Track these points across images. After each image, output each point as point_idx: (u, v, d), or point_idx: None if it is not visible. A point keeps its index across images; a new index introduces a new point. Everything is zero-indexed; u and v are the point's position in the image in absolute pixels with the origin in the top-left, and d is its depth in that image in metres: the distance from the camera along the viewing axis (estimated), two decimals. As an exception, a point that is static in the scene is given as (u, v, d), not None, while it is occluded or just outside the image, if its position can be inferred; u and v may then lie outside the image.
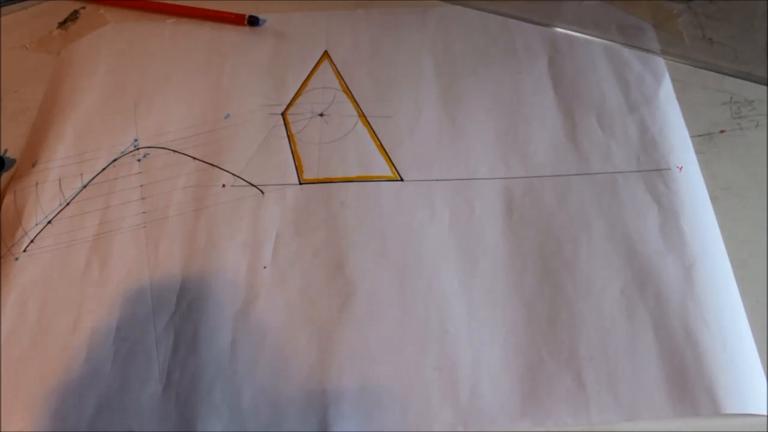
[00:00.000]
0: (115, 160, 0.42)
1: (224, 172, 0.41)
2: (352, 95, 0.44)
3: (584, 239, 0.37)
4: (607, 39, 0.46)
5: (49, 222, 0.40)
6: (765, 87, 0.43)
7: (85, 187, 0.41)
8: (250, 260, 0.37)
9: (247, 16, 0.49)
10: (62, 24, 0.52)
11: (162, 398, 0.33)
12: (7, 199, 0.41)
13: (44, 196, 0.41)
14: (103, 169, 0.42)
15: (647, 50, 0.45)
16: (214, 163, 0.42)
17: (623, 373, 0.32)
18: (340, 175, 0.40)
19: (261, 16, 0.49)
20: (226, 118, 0.44)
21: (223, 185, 0.41)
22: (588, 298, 0.35)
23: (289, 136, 0.43)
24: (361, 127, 0.43)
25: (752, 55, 0.44)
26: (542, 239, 0.37)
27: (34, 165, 0.42)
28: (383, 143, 0.42)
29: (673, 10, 0.47)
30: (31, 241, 0.39)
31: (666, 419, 0.31)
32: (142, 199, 0.40)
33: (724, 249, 0.36)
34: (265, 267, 0.37)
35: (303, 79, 0.46)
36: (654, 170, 0.39)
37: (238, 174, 0.41)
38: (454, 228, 0.38)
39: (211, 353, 0.34)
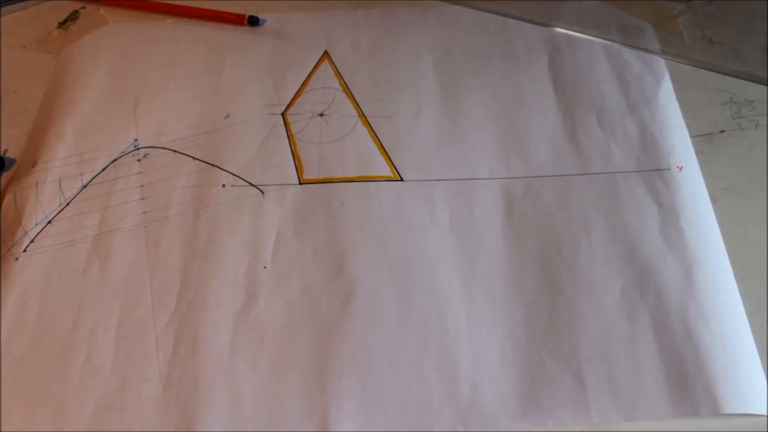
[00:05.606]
0: (115, 160, 0.42)
1: (224, 172, 0.41)
2: (352, 95, 0.44)
3: (584, 239, 0.37)
4: (607, 39, 0.46)
5: (49, 222, 0.40)
6: (765, 87, 0.43)
7: (85, 187, 0.41)
8: (250, 260, 0.37)
9: (247, 16, 0.49)
10: (62, 24, 0.52)
11: (162, 398, 0.33)
12: (7, 199, 0.41)
13: (44, 196, 0.41)
14: (103, 169, 0.42)
15: (647, 50, 0.45)
16: (214, 163, 0.42)
17: (623, 373, 0.32)
18: (340, 175, 0.40)
19: (261, 16, 0.49)
20: (226, 118, 0.44)
21: (223, 185, 0.41)
22: (588, 298, 0.35)
23: (289, 136, 0.43)
24: (361, 127, 0.43)
25: (752, 55, 0.44)
26: (542, 239, 0.37)
27: (34, 165, 0.42)
28: (383, 143, 0.42)
29: (673, 10, 0.47)
30: (31, 241, 0.39)
31: (666, 419, 0.31)
32: (142, 199, 0.40)
33: (724, 249, 0.36)
34: (265, 267, 0.37)
35: (303, 79, 0.46)
36: (654, 170, 0.39)
37: (238, 174, 0.41)
38: (454, 228, 0.38)
39: (211, 353, 0.34)
